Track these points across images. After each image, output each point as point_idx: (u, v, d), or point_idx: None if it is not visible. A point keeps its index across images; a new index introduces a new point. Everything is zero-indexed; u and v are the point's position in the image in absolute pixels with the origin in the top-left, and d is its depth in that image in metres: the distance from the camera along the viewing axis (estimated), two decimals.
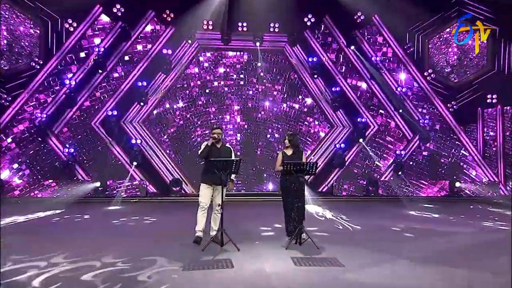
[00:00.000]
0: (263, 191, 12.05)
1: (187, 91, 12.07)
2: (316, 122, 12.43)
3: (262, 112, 12.30)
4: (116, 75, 11.65)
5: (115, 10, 11.32)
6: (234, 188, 11.42)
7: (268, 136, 12.27)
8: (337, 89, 12.20)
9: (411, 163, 12.45)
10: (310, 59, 12.12)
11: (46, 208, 8.81)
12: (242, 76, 12.28)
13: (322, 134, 12.40)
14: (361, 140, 12.18)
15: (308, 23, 12.08)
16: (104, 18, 11.50)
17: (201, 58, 12.14)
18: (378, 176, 12.33)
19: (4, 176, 10.83)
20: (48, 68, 11.16)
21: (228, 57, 12.26)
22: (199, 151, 5.65)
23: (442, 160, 12.50)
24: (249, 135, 12.23)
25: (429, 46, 12.54)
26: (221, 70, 12.22)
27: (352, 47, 12.17)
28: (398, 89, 12.36)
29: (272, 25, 11.88)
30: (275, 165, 5.94)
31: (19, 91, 10.94)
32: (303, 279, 4.10)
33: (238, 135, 12.25)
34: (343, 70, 12.41)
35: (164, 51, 11.65)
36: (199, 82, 12.11)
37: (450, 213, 8.79)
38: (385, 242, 5.89)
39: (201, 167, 5.78)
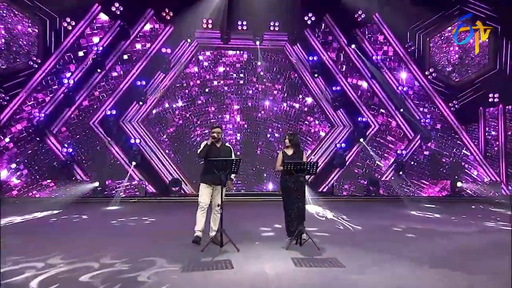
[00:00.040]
0: (263, 191, 12.00)
1: (187, 91, 12.02)
2: (317, 122, 12.38)
3: (262, 112, 12.26)
4: (115, 74, 11.60)
5: (113, 9, 11.29)
6: (234, 188, 11.55)
7: (268, 135, 12.22)
8: (338, 88, 12.16)
9: (412, 162, 12.41)
10: (310, 58, 12.08)
11: (44, 208, 8.77)
12: (242, 75, 12.23)
13: (322, 134, 12.35)
14: (361, 139, 12.15)
15: (309, 22, 12.05)
16: (103, 16, 11.47)
17: (200, 57, 12.10)
18: (379, 176, 12.29)
19: (2, 176, 10.76)
20: (46, 67, 11.12)
21: (228, 56, 12.21)
22: (199, 150, 5.60)
23: (444, 160, 12.46)
24: (249, 135, 12.18)
25: (430, 45, 12.51)
26: (221, 69, 12.17)
27: (353, 46, 12.14)
28: (399, 88, 12.32)
29: (272, 23, 11.85)
30: (275, 165, 5.90)
31: (17, 91, 10.90)
32: (303, 280, 4.06)
33: (238, 134, 12.20)
34: (344, 69, 12.38)
35: (163, 50, 11.61)
36: (198, 81, 12.06)
37: (451, 213, 8.75)
38: (386, 242, 5.84)
39: (201, 167, 5.73)
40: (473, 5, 12.02)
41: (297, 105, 12.35)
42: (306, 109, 12.36)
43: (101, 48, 11.26)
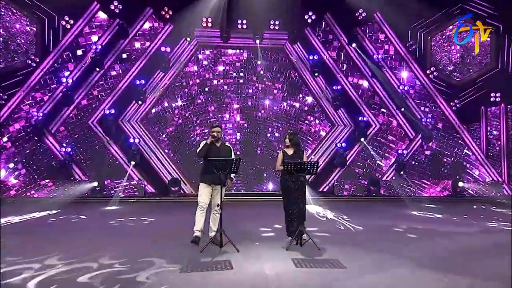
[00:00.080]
0: (263, 191, 11.96)
1: (186, 90, 11.97)
2: (317, 121, 12.34)
3: (262, 111, 12.21)
4: (113, 73, 11.56)
5: (112, 7, 11.24)
6: (234, 188, 11.54)
7: (268, 135, 12.18)
8: (338, 87, 12.10)
9: (413, 162, 12.36)
10: (310, 57, 12.03)
11: (42, 208, 8.73)
12: (241, 74, 12.19)
13: (323, 133, 12.30)
14: (362, 139, 12.10)
15: (309, 21, 12.00)
16: (102, 15, 11.41)
17: (200, 56, 12.05)
18: (380, 176, 12.23)
19: (0, 176, 10.69)
20: (44, 66, 11.07)
21: (228, 55, 12.16)
22: (198, 150, 5.56)
23: (445, 160, 12.40)
24: (249, 134, 12.13)
25: (432, 43, 12.46)
26: (221, 68, 12.12)
27: (354, 45, 12.09)
28: (400, 87, 12.26)
29: (272, 22, 11.81)
30: (275, 165, 5.86)
31: (15, 90, 10.84)
32: (304, 281, 4.03)
33: (238, 134, 12.14)
34: (344, 68, 12.32)
35: (163, 48, 11.56)
36: (198, 81, 12.02)
37: (453, 214, 8.72)
38: (387, 243, 5.80)
39: (200, 167, 5.70)
40: (475, 4, 11.96)
41: (297, 104, 12.30)
42: (306, 108, 12.30)
43: (99, 47, 11.21)
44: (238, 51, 12.16)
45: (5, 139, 10.83)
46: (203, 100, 12.02)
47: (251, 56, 12.12)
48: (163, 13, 11.51)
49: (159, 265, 4.47)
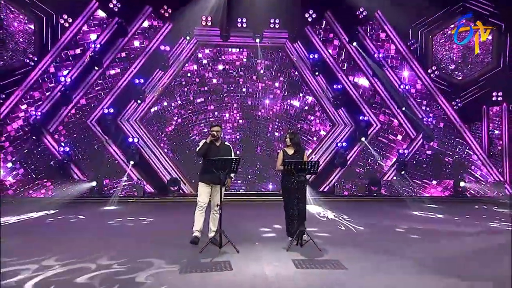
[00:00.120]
0: (263, 190, 11.89)
1: (186, 89, 11.91)
2: (317, 120, 12.27)
3: (262, 110, 12.16)
4: (112, 72, 11.49)
5: (111, 6, 11.15)
6: (234, 188, 11.48)
7: (268, 134, 12.13)
8: (339, 86, 12.03)
9: (414, 162, 12.28)
10: (311, 56, 11.95)
11: (41, 208, 8.71)
12: (241, 73, 12.12)
13: (323, 133, 12.24)
14: (363, 138, 12.03)
15: (309, 19, 11.91)
16: (100, 13, 11.34)
17: (199, 55, 11.99)
18: (381, 176, 12.17)
19: None
20: (43, 65, 11.01)
21: (228, 54, 12.10)
22: (197, 149, 5.52)
23: (446, 159, 12.33)
24: (249, 134, 12.07)
25: (433, 42, 12.38)
26: (220, 67, 12.05)
27: (354, 44, 12.01)
28: (401, 86, 12.18)
29: (272, 21, 11.71)
30: (275, 164, 5.86)
31: (13, 89, 10.78)
32: (304, 283, 3.99)
33: (238, 133, 12.08)
34: (345, 67, 12.25)
35: (162, 47, 11.50)
36: (197, 80, 11.96)
37: (454, 214, 8.68)
38: (389, 243, 5.77)
39: (200, 166, 5.68)
40: (476, 2, 11.88)
41: (297, 104, 12.24)
42: (306, 107, 12.24)
43: (98, 46, 11.13)
44: (238, 50, 12.09)
45: (3, 138, 10.77)
46: (203, 99, 11.95)
47: (251, 55, 12.06)
48: (163, 11, 11.43)
49: (158, 266, 4.45)
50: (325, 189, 12.00)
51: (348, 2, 11.54)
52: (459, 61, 12.42)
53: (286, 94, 12.21)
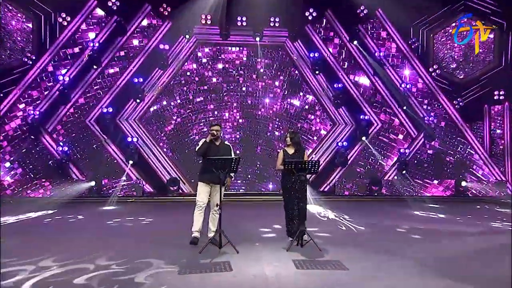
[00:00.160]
0: (263, 190, 11.85)
1: (185, 88, 11.87)
2: (318, 120, 12.22)
3: (262, 109, 12.12)
4: (111, 71, 11.46)
5: (110, 4, 11.12)
6: (234, 187, 11.42)
7: (268, 134, 12.09)
8: (339, 85, 11.98)
9: (415, 161, 12.23)
10: (311, 55, 11.91)
11: (39, 208, 8.67)
12: (241, 72, 12.08)
13: (323, 132, 12.18)
14: (364, 138, 11.98)
15: (310, 18, 11.87)
16: (99, 12, 11.31)
17: (199, 54, 11.95)
18: (382, 175, 12.11)
19: None
20: (41, 64, 10.97)
21: (227, 52, 12.06)
22: (197, 148, 5.48)
23: (448, 159, 12.28)
24: (249, 133, 12.03)
25: (434, 41, 12.33)
26: (220, 66, 12.01)
27: (355, 42, 11.97)
28: (402, 85, 12.13)
29: (272, 19, 11.67)
30: (275, 164, 5.81)
31: (11, 88, 10.73)
32: (305, 283, 3.96)
33: (237, 132, 12.03)
34: (346, 66, 12.22)
35: (161, 46, 11.46)
36: (197, 79, 11.91)
37: (456, 214, 8.66)
38: (390, 243, 5.72)
39: (200, 166, 5.63)
40: (478, 0, 11.82)
41: (297, 103, 12.19)
42: (307, 106, 12.20)
43: (97, 44, 11.08)
44: (237, 48, 12.05)
45: (1, 138, 10.72)
46: (202, 99, 11.92)
47: (251, 53, 12.02)
48: (162, 10, 11.39)
49: (157, 266, 4.41)
50: (326, 189, 11.96)
51: (349, 1, 11.53)
52: (461, 59, 12.36)
53: (286, 93, 12.16)
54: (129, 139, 11.23)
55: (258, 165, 11.92)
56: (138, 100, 11.37)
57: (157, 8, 11.39)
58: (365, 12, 11.86)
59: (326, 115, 12.16)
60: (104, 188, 11.06)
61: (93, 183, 10.92)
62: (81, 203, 9.86)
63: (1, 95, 10.62)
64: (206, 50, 11.95)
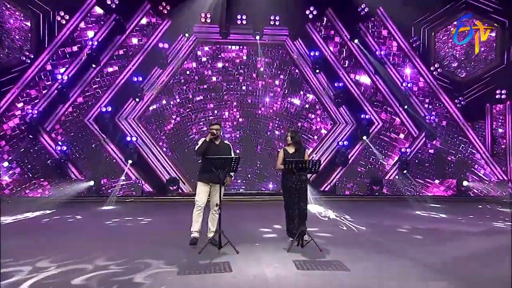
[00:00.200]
0: (263, 190, 11.79)
1: (184, 87, 11.81)
2: (318, 119, 12.17)
3: (262, 108, 12.06)
4: (110, 69, 11.38)
5: (109, 2, 11.05)
6: (233, 187, 11.36)
7: (269, 133, 12.02)
8: (340, 84, 11.92)
9: (416, 161, 12.16)
10: (312, 53, 11.85)
11: (37, 208, 8.63)
12: (241, 71, 12.01)
13: (324, 131, 12.12)
14: (364, 137, 11.92)
15: (310, 16, 11.81)
16: (98, 10, 11.24)
17: (199, 52, 11.89)
18: (383, 175, 12.05)
19: None
20: (39, 63, 10.90)
21: (227, 51, 12.00)
22: (196, 147, 5.43)
23: (449, 158, 12.22)
24: (249, 132, 11.96)
25: (436, 39, 12.26)
26: (220, 64, 11.95)
27: (356, 41, 11.91)
28: (403, 84, 12.07)
29: (272, 18, 11.61)
30: (275, 163, 5.80)
31: (9, 87, 10.67)
32: (305, 284, 3.92)
33: (237, 132, 11.97)
34: (346, 65, 12.16)
35: (160, 45, 11.39)
36: (196, 77, 11.85)
37: (458, 213, 8.62)
38: (392, 243, 5.69)
39: (199, 165, 5.57)
40: None
41: (298, 102, 12.12)
42: (307, 105, 12.13)
43: (96, 43, 11.03)
44: (237, 47, 11.98)
45: None
46: (202, 98, 11.85)
47: (251, 52, 11.95)
48: (161, 8, 11.33)
49: (156, 267, 4.39)
50: (326, 189, 11.90)
51: None
52: (462, 58, 12.29)
53: (286, 92, 12.10)
54: (128, 138, 11.16)
55: (258, 165, 11.86)
56: (137, 99, 11.31)
57: (157, 6, 11.33)
58: (366, 10, 11.78)
59: (326, 114, 12.09)
60: (103, 188, 11.00)
61: (92, 183, 10.87)
62: (79, 203, 9.83)
63: None
64: (206, 48, 11.88)
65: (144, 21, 11.49)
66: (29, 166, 10.86)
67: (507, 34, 11.93)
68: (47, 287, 3.79)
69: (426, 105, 12.18)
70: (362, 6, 11.73)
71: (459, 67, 12.34)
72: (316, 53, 11.79)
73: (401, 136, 12.19)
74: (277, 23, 11.66)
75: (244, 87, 11.99)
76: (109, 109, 11.11)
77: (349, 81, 12.06)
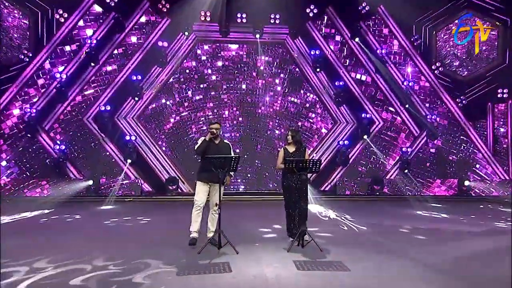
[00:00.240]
0: (263, 190, 11.72)
1: (184, 86, 11.74)
2: (319, 118, 12.11)
3: (262, 108, 11.99)
4: (109, 68, 11.32)
5: (108, 0, 10.99)
6: (233, 187, 11.30)
7: (269, 132, 11.96)
8: (341, 83, 11.85)
9: (418, 160, 12.08)
10: (312, 52, 11.77)
11: (35, 207, 8.61)
12: (241, 69, 11.93)
13: (324, 131, 12.06)
14: (365, 136, 11.85)
15: (311, 14, 11.73)
16: (97, 8, 11.16)
17: (198, 51, 11.82)
18: (383, 174, 12.00)
19: None
20: (38, 61, 10.84)
21: (227, 50, 11.94)
22: (196, 146, 5.40)
23: (450, 158, 12.15)
24: (249, 132, 11.91)
25: (437, 38, 12.19)
26: (220, 63, 11.89)
27: (357, 40, 11.82)
28: (405, 83, 12.00)
29: (272, 16, 11.54)
30: (276, 163, 5.77)
31: (7, 85, 10.61)
32: (306, 285, 3.90)
33: (237, 131, 11.91)
34: (347, 64, 12.08)
35: (160, 43, 11.33)
36: (196, 76, 11.78)
37: (459, 213, 8.60)
38: (393, 243, 5.69)
39: (199, 165, 5.53)
40: None
41: (298, 101, 12.06)
42: (307, 105, 12.06)
43: (95, 41, 10.97)
44: (237, 46, 11.92)
45: None
46: (202, 97, 11.78)
47: (251, 51, 11.88)
48: (160, 6, 11.25)
49: (155, 267, 4.37)
50: (327, 188, 11.85)
51: None
52: (464, 57, 12.23)
53: (286, 91, 12.03)
54: (127, 137, 11.11)
55: (258, 164, 11.80)
56: (136, 98, 11.24)
57: (156, 4, 11.26)
58: (366, 8, 11.71)
59: (327, 114, 12.03)
60: (102, 188, 10.96)
61: (90, 182, 10.83)
62: (78, 202, 9.80)
63: None
64: (206, 47, 11.82)
65: (143, 19, 11.42)
66: (28, 165, 10.82)
67: (509, 33, 11.87)
68: None
69: (427, 104, 12.10)
70: (363, 5, 11.66)
71: (461, 66, 12.27)
72: (317, 52, 11.72)
73: (402, 135, 12.12)
74: (277, 21, 11.59)
75: (244, 86, 11.92)
76: (108, 108, 11.05)
77: (350, 80, 11.99)
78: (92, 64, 10.98)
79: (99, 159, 11.08)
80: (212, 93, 11.78)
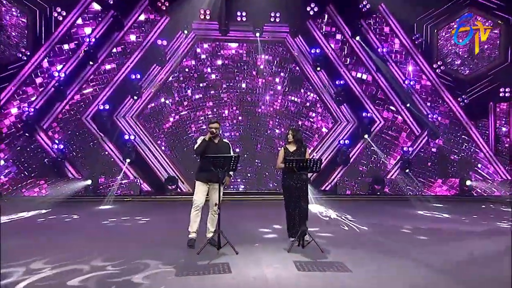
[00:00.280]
0: (263, 189, 11.68)
1: (183, 84, 11.69)
2: (319, 117, 12.06)
3: (262, 107, 11.94)
4: (108, 67, 11.26)
5: None
6: (232, 186, 11.24)
7: (269, 131, 11.92)
8: (341, 82, 11.79)
9: (419, 160, 12.03)
10: (312, 51, 11.71)
11: (33, 207, 8.57)
12: (241, 68, 11.89)
13: (325, 130, 12.01)
14: (366, 136, 11.80)
15: (311, 13, 11.64)
16: (95, 6, 11.11)
17: (198, 50, 11.75)
18: (384, 174, 11.95)
19: None
20: (36, 60, 10.78)
21: (227, 48, 11.88)
22: (195, 146, 5.35)
23: (452, 157, 12.11)
24: (249, 131, 11.86)
25: (438, 36, 12.13)
26: (219, 62, 11.83)
27: (357, 38, 11.74)
28: (406, 82, 11.95)
29: (272, 14, 11.47)
30: (276, 162, 5.75)
31: (5, 84, 10.55)
32: (306, 286, 3.89)
33: (237, 130, 11.86)
34: (348, 62, 12.02)
35: (159, 42, 11.27)
36: (196, 75, 11.72)
37: (461, 213, 8.59)
38: (394, 244, 5.68)
39: (198, 164, 5.48)
40: None
41: (298, 100, 12.01)
42: (308, 104, 12.01)
43: (93, 40, 10.91)
44: (237, 44, 11.86)
45: None
46: (201, 96, 11.73)
47: (250, 49, 11.83)
48: (159, 4, 11.17)
49: (154, 267, 4.36)
50: (327, 188, 11.80)
51: None
52: (465, 56, 12.17)
53: (287, 90, 11.97)
54: (126, 137, 11.05)
55: (258, 164, 11.74)
56: (135, 97, 11.18)
57: (155, 2, 11.18)
58: (367, 7, 11.63)
59: (327, 113, 11.97)
60: (101, 187, 10.91)
61: (89, 182, 10.78)
62: (76, 202, 9.78)
63: None
64: (205, 46, 11.76)
65: (142, 17, 11.36)
66: (26, 164, 10.76)
67: (511, 31, 11.83)
68: None
69: (428, 103, 12.04)
70: (364, 3, 11.57)
71: (462, 64, 12.22)
72: (317, 51, 11.65)
73: (403, 134, 12.07)
74: (277, 20, 11.52)
75: (244, 85, 11.87)
76: (107, 107, 10.99)
77: (351, 79, 11.93)
78: (91, 62, 10.91)
79: (98, 159, 11.02)
80: (212, 92, 11.73)
